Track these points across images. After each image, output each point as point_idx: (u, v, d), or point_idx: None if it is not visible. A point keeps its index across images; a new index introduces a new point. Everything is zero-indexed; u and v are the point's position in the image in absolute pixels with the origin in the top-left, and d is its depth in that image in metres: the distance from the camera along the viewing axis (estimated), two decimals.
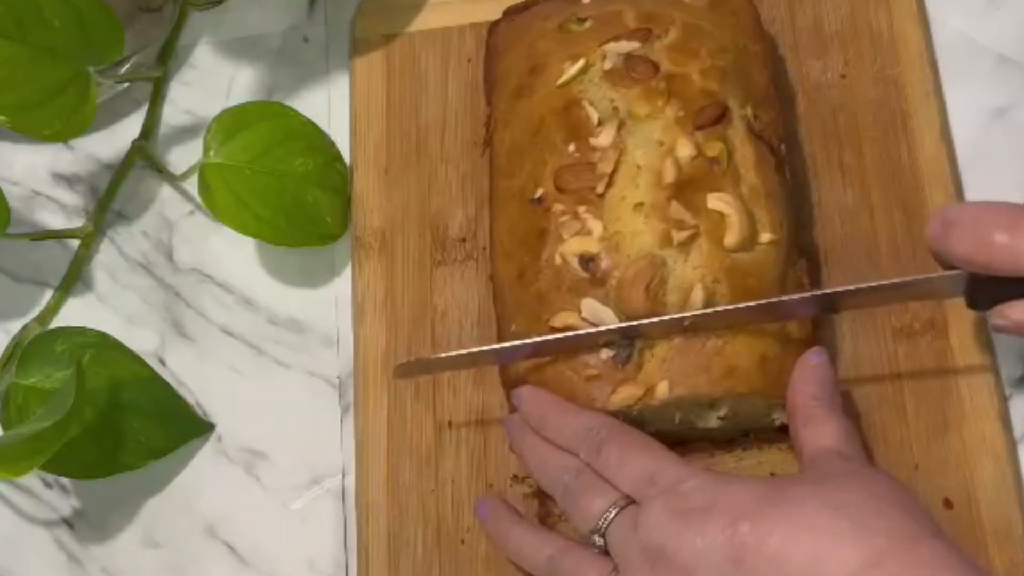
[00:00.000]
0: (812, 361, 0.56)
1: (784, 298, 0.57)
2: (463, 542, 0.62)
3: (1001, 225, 0.52)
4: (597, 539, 0.54)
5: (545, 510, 0.60)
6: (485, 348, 0.60)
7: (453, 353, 0.60)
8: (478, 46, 0.71)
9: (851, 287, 0.57)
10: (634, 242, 0.57)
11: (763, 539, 0.49)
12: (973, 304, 0.56)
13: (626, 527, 0.53)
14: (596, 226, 0.58)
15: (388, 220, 0.69)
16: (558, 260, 0.58)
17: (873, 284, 0.57)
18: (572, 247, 0.58)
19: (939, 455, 0.60)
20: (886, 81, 0.67)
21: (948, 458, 0.59)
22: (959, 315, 0.61)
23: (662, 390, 0.56)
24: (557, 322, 0.57)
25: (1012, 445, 0.60)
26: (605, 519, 0.54)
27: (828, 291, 0.57)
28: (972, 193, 0.64)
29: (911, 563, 0.47)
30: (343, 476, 0.66)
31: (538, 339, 0.57)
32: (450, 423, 0.64)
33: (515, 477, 0.62)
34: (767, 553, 0.48)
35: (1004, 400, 0.61)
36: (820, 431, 0.55)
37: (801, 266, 0.60)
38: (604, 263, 0.57)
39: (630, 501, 0.54)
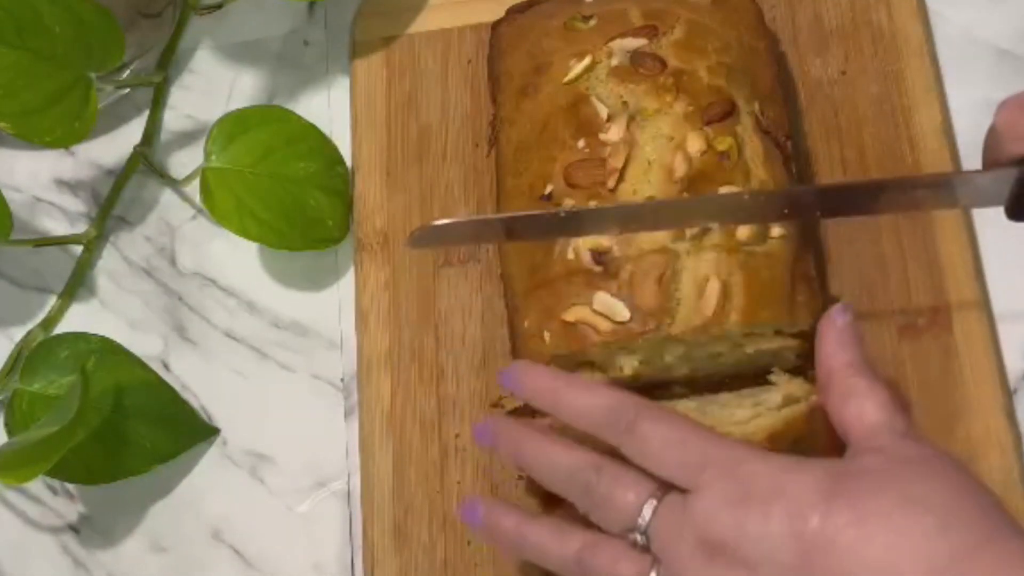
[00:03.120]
0: (839, 321, 0.52)
1: (824, 184, 0.54)
2: (469, 543, 0.62)
3: None
4: (638, 537, 0.49)
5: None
6: (496, 216, 0.56)
7: (465, 219, 0.57)
8: (478, 47, 0.71)
9: (890, 178, 0.53)
10: (646, 236, 0.57)
11: (835, 535, 0.45)
12: (1015, 211, 0.52)
13: (673, 519, 0.49)
14: None
15: (390, 222, 0.69)
16: (570, 255, 0.58)
17: (912, 177, 0.53)
18: (584, 242, 0.58)
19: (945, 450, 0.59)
20: (887, 77, 0.67)
21: (954, 453, 0.59)
22: (963, 311, 0.61)
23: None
24: (570, 316, 0.57)
25: (1018, 439, 0.60)
26: (645, 514, 0.49)
27: (859, 182, 0.53)
28: None
29: (998, 561, 0.43)
30: (348, 478, 0.66)
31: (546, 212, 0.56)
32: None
33: (522, 476, 0.62)
34: (839, 550, 0.45)
35: (1009, 394, 0.61)
36: (865, 406, 0.50)
37: (809, 260, 0.59)
38: (617, 256, 0.57)
39: (668, 489, 0.49)
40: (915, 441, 0.49)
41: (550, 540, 0.52)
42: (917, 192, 0.53)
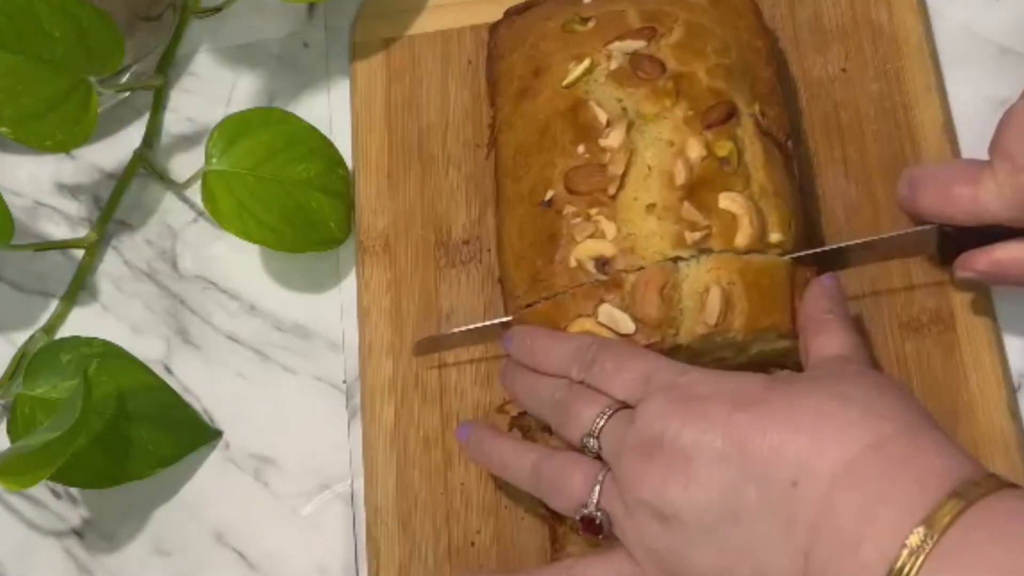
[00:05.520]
0: (826, 283, 0.57)
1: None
2: (473, 544, 0.62)
3: (962, 179, 0.56)
4: (591, 442, 0.53)
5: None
6: (496, 321, 0.60)
7: (465, 328, 0.62)
8: (478, 48, 0.71)
9: (822, 249, 0.59)
10: (648, 244, 0.57)
11: (766, 425, 0.49)
12: (944, 259, 0.59)
13: (621, 426, 0.52)
14: (610, 228, 0.57)
15: (391, 223, 0.69)
16: (573, 263, 0.58)
17: (847, 244, 0.60)
18: (587, 250, 0.58)
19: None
20: (888, 74, 0.67)
21: None
22: (966, 307, 0.61)
23: None
24: (575, 328, 0.57)
25: (1021, 437, 0.60)
26: (598, 423, 0.53)
27: (801, 254, 0.58)
28: None
29: (912, 448, 0.47)
30: (352, 480, 0.66)
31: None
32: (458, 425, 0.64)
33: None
34: (769, 438, 0.48)
35: (1013, 391, 0.61)
36: (830, 340, 0.55)
37: (810, 262, 0.59)
38: (620, 265, 0.57)
39: (623, 406, 0.53)
40: (859, 365, 0.54)
41: (510, 453, 0.57)
42: (854, 254, 0.60)
